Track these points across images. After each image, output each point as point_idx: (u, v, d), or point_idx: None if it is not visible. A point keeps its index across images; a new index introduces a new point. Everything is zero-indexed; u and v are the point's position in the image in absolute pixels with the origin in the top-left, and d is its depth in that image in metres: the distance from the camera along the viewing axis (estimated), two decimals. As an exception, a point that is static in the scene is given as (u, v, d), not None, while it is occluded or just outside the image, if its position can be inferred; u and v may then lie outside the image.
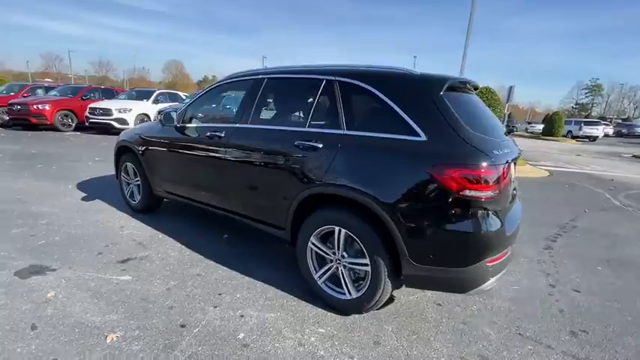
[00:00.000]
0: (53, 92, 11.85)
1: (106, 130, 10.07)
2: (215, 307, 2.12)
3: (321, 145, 2.08)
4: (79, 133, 10.69)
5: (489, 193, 1.67)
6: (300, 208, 2.19)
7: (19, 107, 10.10)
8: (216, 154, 2.66)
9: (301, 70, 2.42)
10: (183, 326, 1.92)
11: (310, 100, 2.26)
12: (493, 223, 1.70)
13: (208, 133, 2.74)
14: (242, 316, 2.05)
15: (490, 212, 1.70)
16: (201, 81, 76.79)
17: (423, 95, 1.88)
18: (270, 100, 2.57)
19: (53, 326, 1.84)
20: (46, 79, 37.41)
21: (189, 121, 3.04)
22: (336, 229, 2.02)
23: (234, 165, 2.55)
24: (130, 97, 11.64)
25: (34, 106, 10.08)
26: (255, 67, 3.25)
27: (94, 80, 60.59)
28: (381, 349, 1.82)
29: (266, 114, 2.54)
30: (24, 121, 10.22)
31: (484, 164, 1.66)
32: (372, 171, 1.88)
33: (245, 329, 1.92)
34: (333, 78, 2.19)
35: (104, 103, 10.55)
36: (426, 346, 1.86)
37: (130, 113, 10.32)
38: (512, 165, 1.98)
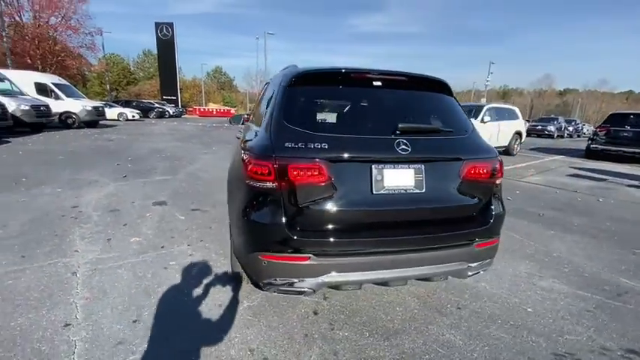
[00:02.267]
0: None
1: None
2: (188, 245, 3.07)
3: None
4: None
5: (265, 185, 1.62)
6: None
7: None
8: None
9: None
10: (162, 247, 3.01)
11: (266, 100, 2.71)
12: (267, 216, 1.61)
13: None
14: (191, 254, 2.88)
15: (266, 204, 1.62)
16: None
17: (275, 89, 1.96)
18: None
19: (130, 227, 3.46)
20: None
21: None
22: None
23: None
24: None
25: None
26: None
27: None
28: (215, 311, 2.11)
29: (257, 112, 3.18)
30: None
31: (261, 155, 1.65)
32: (236, 160, 2.18)
33: (179, 261, 2.75)
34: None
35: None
36: (239, 329, 1.95)
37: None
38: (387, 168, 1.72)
